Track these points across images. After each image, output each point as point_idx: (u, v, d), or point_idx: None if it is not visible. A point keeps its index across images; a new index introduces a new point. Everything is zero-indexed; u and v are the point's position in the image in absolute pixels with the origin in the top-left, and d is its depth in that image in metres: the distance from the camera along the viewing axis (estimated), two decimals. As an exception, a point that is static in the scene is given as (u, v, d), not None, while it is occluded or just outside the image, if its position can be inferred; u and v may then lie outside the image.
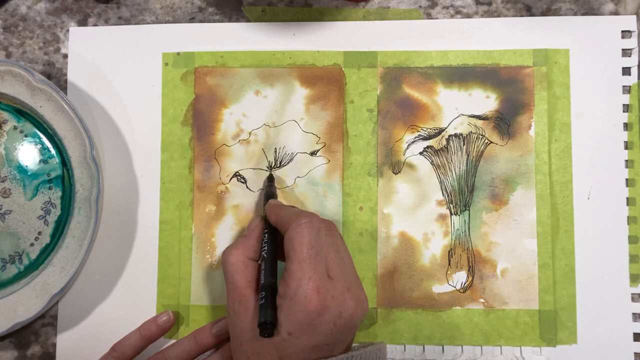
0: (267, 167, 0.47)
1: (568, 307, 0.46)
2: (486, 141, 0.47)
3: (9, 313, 0.44)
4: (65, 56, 0.49)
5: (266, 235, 0.41)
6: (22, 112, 0.47)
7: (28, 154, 0.47)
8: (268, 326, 0.37)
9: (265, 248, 0.41)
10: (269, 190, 0.46)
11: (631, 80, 0.47)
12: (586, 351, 0.45)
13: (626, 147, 0.47)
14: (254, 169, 0.48)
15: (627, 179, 0.46)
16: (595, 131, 0.47)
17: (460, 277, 0.46)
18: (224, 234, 0.47)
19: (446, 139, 0.47)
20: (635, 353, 0.45)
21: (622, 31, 0.47)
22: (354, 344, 0.39)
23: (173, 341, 0.46)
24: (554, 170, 0.47)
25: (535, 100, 0.47)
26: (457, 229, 0.47)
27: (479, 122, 0.47)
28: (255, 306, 0.38)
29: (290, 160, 0.48)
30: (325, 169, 0.47)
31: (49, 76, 0.48)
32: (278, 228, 0.41)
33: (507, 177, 0.47)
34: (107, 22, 0.49)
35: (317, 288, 0.36)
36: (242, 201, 0.47)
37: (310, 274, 0.37)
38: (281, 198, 0.47)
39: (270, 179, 0.47)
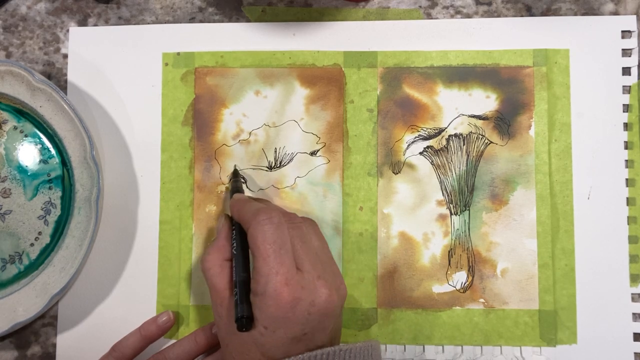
0: (267, 167, 0.47)
1: (568, 307, 0.46)
2: (486, 141, 0.47)
3: (9, 313, 0.44)
4: (65, 56, 0.49)
5: (234, 232, 0.42)
6: (22, 112, 0.47)
7: (28, 154, 0.47)
8: (244, 321, 0.37)
9: (235, 245, 0.41)
10: (234, 185, 0.46)
11: (631, 80, 0.47)
12: (586, 351, 0.45)
13: (626, 147, 0.47)
14: (254, 168, 0.48)
15: (627, 179, 0.46)
16: (595, 131, 0.47)
17: (460, 277, 0.46)
18: (224, 234, 0.47)
19: (446, 139, 0.47)
20: (635, 353, 0.45)
21: (622, 31, 0.47)
22: (345, 344, 0.39)
23: (173, 341, 0.46)
24: (554, 170, 0.47)
25: (535, 100, 0.47)
26: (457, 229, 0.47)
27: (479, 122, 0.47)
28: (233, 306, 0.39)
29: (290, 160, 0.48)
30: (325, 169, 0.47)
31: (49, 76, 0.48)
32: (242, 225, 0.41)
33: (507, 177, 0.47)
34: (107, 22, 0.49)
35: (286, 281, 0.37)
36: (242, 201, 0.47)
37: (276, 269, 0.37)
38: (281, 198, 0.47)
39: (235, 174, 0.47)
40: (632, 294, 0.46)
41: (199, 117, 0.48)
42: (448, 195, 0.47)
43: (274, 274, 0.37)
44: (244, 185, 0.47)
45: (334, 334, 0.40)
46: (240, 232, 0.41)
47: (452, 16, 0.48)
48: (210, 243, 0.43)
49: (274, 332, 0.37)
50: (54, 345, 0.47)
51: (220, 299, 0.40)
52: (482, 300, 0.46)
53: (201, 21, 0.49)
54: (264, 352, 0.37)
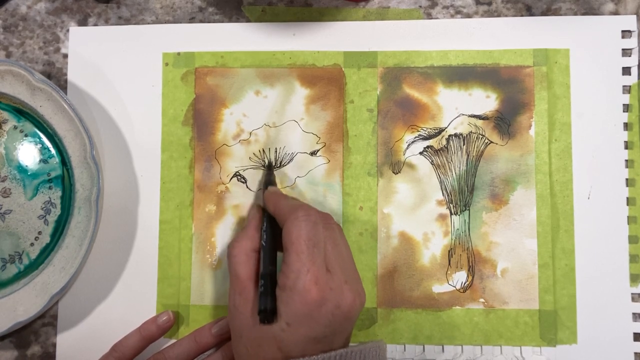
0: (267, 167, 0.47)
1: (568, 307, 0.46)
2: (486, 141, 0.47)
3: (9, 313, 0.44)
4: (65, 56, 0.49)
5: (265, 224, 0.42)
6: (22, 112, 0.47)
7: (28, 153, 0.47)
8: (268, 313, 0.37)
9: (265, 237, 0.41)
10: (268, 178, 0.46)
11: (631, 80, 0.47)
12: (586, 351, 0.45)
13: (626, 147, 0.47)
14: (254, 168, 0.48)
15: (627, 179, 0.46)
16: (595, 131, 0.47)
17: (460, 277, 0.46)
18: (224, 234, 0.47)
19: (446, 139, 0.47)
20: (635, 353, 0.45)
21: (622, 31, 0.47)
22: (352, 344, 0.39)
23: (173, 341, 0.46)
24: (554, 170, 0.47)
25: (536, 100, 0.47)
26: (457, 229, 0.47)
27: (479, 122, 0.47)
28: (255, 297, 0.39)
29: (291, 160, 0.48)
30: (325, 169, 0.47)
31: (49, 76, 0.48)
32: (276, 219, 0.41)
33: (507, 177, 0.47)
34: (107, 22, 0.49)
35: (316, 280, 0.37)
36: (242, 201, 0.47)
37: (308, 266, 0.37)
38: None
39: (270, 167, 0.47)
40: (632, 294, 0.46)
41: (199, 117, 0.48)
42: (448, 195, 0.47)
43: (305, 270, 0.37)
44: (244, 185, 0.47)
45: (349, 338, 0.40)
46: (271, 224, 0.41)
47: (452, 16, 0.48)
48: (240, 231, 0.42)
49: (296, 329, 0.36)
50: (54, 345, 0.47)
51: (241, 288, 0.39)
52: (482, 300, 0.46)
53: (201, 21, 0.49)
54: (281, 348, 0.37)
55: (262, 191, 0.45)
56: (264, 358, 0.37)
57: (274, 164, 0.48)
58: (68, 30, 0.49)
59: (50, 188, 0.46)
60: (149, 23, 0.49)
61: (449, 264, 0.46)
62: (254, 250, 0.41)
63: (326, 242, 0.39)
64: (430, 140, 0.47)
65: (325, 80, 0.48)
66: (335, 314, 0.37)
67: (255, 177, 0.47)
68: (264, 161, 0.47)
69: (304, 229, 0.38)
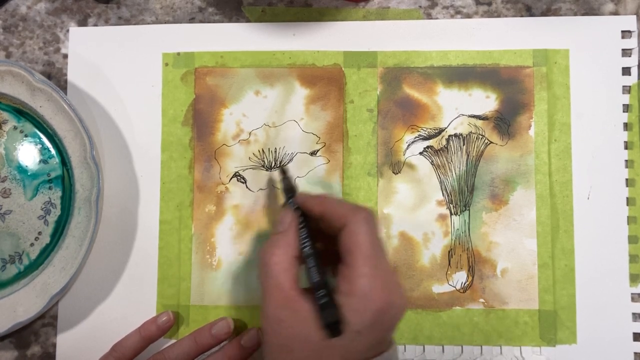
0: (267, 168, 0.47)
1: (568, 307, 0.46)
2: (486, 141, 0.47)
3: (9, 313, 0.44)
4: (65, 56, 0.49)
5: (303, 229, 0.38)
6: (22, 112, 0.47)
7: (28, 154, 0.47)
8: (337, 326, 0.34)
9: (307, 244, 0.38)
10: (289, 183, 0.43)
11: (631, 80, 0.47)
12: (586, 351, 0.45)
13: (626, 147, 0.47)
14: (254, 169, 0.48)
15: (627, 179, 0.46)
16: (595, 131, 0.47)
17: (460, 277, 0.46)
18: (224, 234, 0.47)
19: (446, 139, 0.47)
20: (635, 353, 0.45)
21: (622, 31, 0.47)
22: (391, 348, 0.38)
23: (173, 341, 0.46)
24: (554, 170, 0.47)
25: (535, 101, 0.47)
26: (457, 229, 0.47)
27: (479, 122, 0.47)
28: (307, 308, 0.35)
29: (290, 160, 0.48)
30: (325, 169, 0.47)
31: (49, 76, 0.48)
32: (326, 220, 0.38)
33: (507, 177, 0.47)
34: (107, 22, 0.49)
35: (384, 285, 0.35)
36: (242, 201, 0.47)
37: (376, 272, 0.35)
38: (281, 198, 0.47)
39: (284, 172, 0.44)
40: (632, 294, 0.46)
41: (199, 117, 0.48)
42: (448, 195, 0.47)
43: (373, 276, 0.35)
44: (244, 186, 0.47)
45: None
46: (310, 230, 0.38)
47: (452, 16, 0.48)
48: (273, 237, 0.38)
49: (365, 336, 0.35)
50: (54, 345, 0.47)
51: (285, 300, 0.36)
52: (482, 300, 0.46)
53: (201, 21, 0.49)
54: (346, 357, 0.35)
55: (286, 198, 0.41)
56: None
57: (274, 164, 0.48)
58: (68, 31, 0.49)
59: (50, 188, 0.46)
60: (149, 23, 0.49)
61: (449, 264, 0.46)
62: (294, 257, 0.37)
63: (381, 243, 0.37)
64: (430, 141, 0.47)
65: (325, 80, 0.48)
66: (397, 317, 0.36)
67: (255, 177, 0.47)
68: (263, 161, 0.47)
69: (369, 230, 0.36)
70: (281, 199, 0.47)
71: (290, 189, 0.42)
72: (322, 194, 0.41)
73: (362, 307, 0.35)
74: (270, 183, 0.47)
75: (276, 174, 0.47)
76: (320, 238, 0.39)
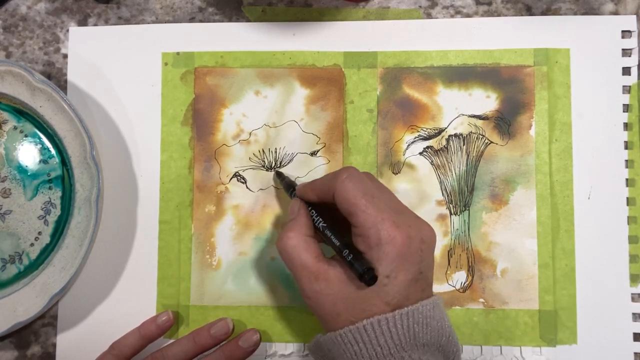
0: (267, 168, 0.47)
1: (568, 307, 0.46)
2: (486, 141, 0.47)
3: (9, 313, 0.44)
4: (65, 56, 0.49)
5: (312, 211, 0.41)
6: (22, 112, 0.47)
7: (28, 154, 0.47)
8: (371, 272, 0.36)
9: (320, 220, 0.40)
10: (288, 180, 0.45)
11: (631, 80, 0.47)
12: (586, 351, 0.45)
13: (626, 147, 0.47)
14: (254, 169, 0.48)
15: (627, 179, 0.46)
16: (595, 131, 0.47)
17: (460, 277, 0.46)
18: (224, 234, 0.47)
19: (446, 139, 0.47)
20: (635, 353, 0.45)
21: (622, 31, 0.47)
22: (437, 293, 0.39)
23: (172, 341, 0.46)
24: (555, 170, 0.47)
25: (536, 100, 0.47)
26: (457, 229, 0.46)
27: (479, 122, 0.47)
28: (338, 272, 0.38)
29: (290, 160, 0.48)
30: (326, 169, 0.47)
31: (49, 76, 0.48)
32: (322, 199, 0.40)
33: (507, 177, 0.47)
34: (107, 22, 0.49)
35: (394, 223, 0.36)
36: (242, 201, 0.47)
37: (380, 216, 0.37)
38: (281, 198, 0.47)
39: (280, 175, 0.46)
40: (632, 294, 0.46)
41: (199, 117, 0.48)
42: (448, 195, 0.47)
43: (380, 221, 0.36)
44: (244, 186, 0.47)
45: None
46: (318, 211, 0.41)
47: (452, 16, 0.48)
48: (286, 226, 0.40)
49: (395, 277, 0.36)
50: (54, 345, 0.47)
51: (315, 273, 0.38)
52: (481, 300, 0.46)
53: (201, 21, 0.49)
54: (388, 302, 0.36)
55: (289, 194, 0.44)
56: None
57: (274, 164, 0.48)
58: (68, 31, 0.49)
59: (50, 188, 0.46)
60: (148, 23, 0.49)
61: (449, 264, 0.46)
62: (310, 236, 0.40)
63: (380, 190, 0.39)
64: (430, 141, 0.47)
65: (325, 81, 0.48)
66: (423, 249, 0.37)
67: (255, 178, 0.47)
68: (263, 162, 0.47)
69: (355, 186, 0.38)
70: (281, 197, 0.47)
71: (290, 185, 0.44)
72: (305, 182, 0.43)
73: (381, 254, 0.36)
74: (271, 184, 0.47)
75: (275, 178, 0.47)
76: (336, 224, 0.40)
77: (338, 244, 0.38)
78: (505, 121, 0.47)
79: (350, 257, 0.37)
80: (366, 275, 0.36)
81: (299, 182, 0.47)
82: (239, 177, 0.47)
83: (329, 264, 0.38)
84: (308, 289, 0.38)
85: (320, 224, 0.40)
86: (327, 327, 0.38)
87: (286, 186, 0.45)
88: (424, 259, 0.37)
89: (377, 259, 0.36)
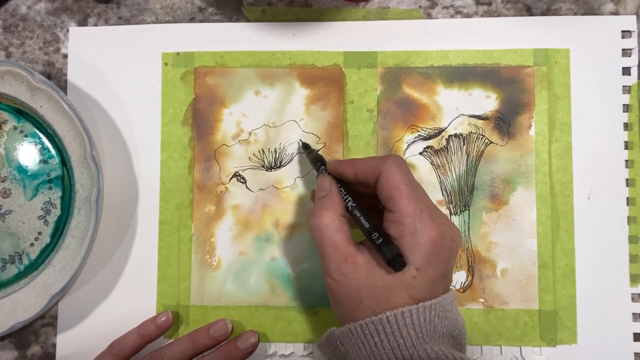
0: (267, 168, 0.47)
1: (568, 307, 0.46)
2: (486, 141, 0.47)
3: (9, 313, 0.44)
4: (65, 56, 0.49)
5: (341, 190, 0.41)
6: (22, 112, 0.47)
7: (28, 154, 0.47)
8: (400, 258, 0.36)
9: (350, 199, 0.40)
10: (316, 153, 0.45)
11: (631, 80, 0.47)
12: (586, 351, 0.45)
13: (626, 147, 0.47)
14: (253, 169, 0.48)
15: (627, 179, 0.46)
16: (595, 131, 0.47)
17: (460, 277, 0.46)
18: (224, 234, 0.47)
19: (446, 139, 0.47)
20: (635, 353, 0.45)
21: (622, 31, 0.47)
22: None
23: (171, 341, 0.46)
24: (554, 170, 0.47)
25: (536, 100, 0.47)
26: (457, 229, 0.46)
27: (479, 122, 0.47)
28: (366, 257, 0.38)
29: (290, 160, 0.48)
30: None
31: (49, 76, 0.48)
32: (360, 178, 0.40)
33: (507, 177, 0.47)
34: (107, 22, 0.49)
35: (431, 217, 0.37)
36: (242, 201, 0.47)
37: (420, 207, 0.37)
38: (281, 198, 0.47)
39: (306, 146, 0.46)
40: (632, 294, 0.46)
41: (199, 117, 0.48)
42: (448, 196, 0.47)
43: (419, 212, 0.37)
44: (244, 186, 0.47)
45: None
46: (347, 189, 0.40)
47: (452, 16, 0.48)
48: (316, 203, 0.40)
49: (425, 271, 0.36)
50: (54, 345, 0.47)
51: (344, 255, 0.38)
52: (481, 300, 0.46)
53: (201, 21, 0.49)
54: (413, 295, 0.36)
55: (317, 168, 0.43)
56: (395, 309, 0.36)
57: (273, 164, 0.48)
58: (68, 31, 0.49)
59: (50, 188, 0.46)
60: (148, 23, 0.49)
61: (449, 264, 0.46)
62: (342, 215, 0.39)
63: (416, 182, 0.39)
64: (430, 141, 0.47)
65: (325, 81, 0.48)
66: (452, 247, 0.37)
67: (255, 177, 0.47)
68: (263, 162, 0.47)
69: (402, 172, 0.38)
70: (281, 197, 0.47)
71: (319, 159, 0.44)
72: (340, 159, 0.43)
73: (415, 244, 0.36)
74: (271, 184, 0.47)
75: (300, 148, 0.47)
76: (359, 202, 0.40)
77: (368, 225, 0.38)
78: (505, 121, 0.47)
79: (380, 241, 0.37)
80: (395, 260, 0.36)
81: (298, 181, 0.47)
82: (238, 177, 0.47)
83: (359, 248, 0.38)
84: (335, 269, 0.38)
85: (350, 204, 0.40)
86: (345, 315, 0.38)
87: (314, 159, 0.44)
88: (452, 258, 0.38)
89: (409, 248, 0.36)
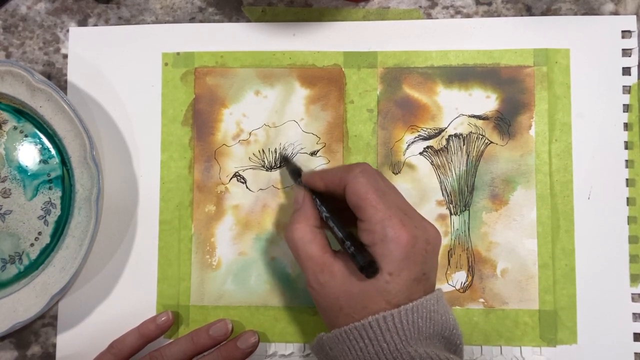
0: (267, 168, 0.47)
1: (568, 307, 0.46)
2: (486, 141, 0.47)
3: (9, 313, 0.44)
4: (65, 56, 0.49)
5: (316, 200, 0.41)
6: (22, 112, 0.47)
7: (28, 154, 0.47)
8: (373, 264, 0.36)
9: (324, 209, 0.40)
10: (294, 165, 0.45)
11: (631, 80, 0.47)
12: (586, 351, 0.45)
13: (626, 147, 0.47)
14: (254, 169, 0.48)
15: (627, 179, 0.46)
16: (595, 131, 0.47)
17: (460, 277, 0.46)
18: (224, 234, 0.47)
19: (446, 139, 0.47)
20: (635, 353, 0.45)
21: (622, 31, 0.47)
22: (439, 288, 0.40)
23: (171, 341, 0.46)
24: (554, 170, 0.47)
25: (536, 100, 0.47)
26: (457, 229, 0.47)
27: (479, 122, 0.47)
28: (341, 266, 0.38)
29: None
30: (325, 169, 0.47)
31: (49, 76, 0.48)
32: (330, 189, 0.40)
33: (507, 177, 0.47)
34: (107, 22, 0.49)
35: (401, 222, 0.37)
36: (242, 201, 0.47)
37: (388, 213, 0.37)
38: (281, 198, 0.47)
39: (286, 159, 0.47)
40: (632, 294, 0.46)
41: (199, 117, 0.48)
42: (448, 196, 0.47)
43: (387, 218, 0.37)
44: (244, 186, 0.47)
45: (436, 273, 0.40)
46: (322, 200, 0.41)
47: (452, 16, 0.48)
48: (292, 216, 0.41)
49: (398, 276, 0.36)
50: (54, 345, 0.47)
51: (320, 265, 0.38)
52: (481, 300, 0.46)
53: (201, 21, 0.49)
54: (389, 300, 0.37)
55: (295, 180, 0.44)
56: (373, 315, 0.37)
57: (274, 164, 0.48)
58: (68, 31, 0.49)
59: (50, 188, 0.46)
60: (149, 23, 0.49)
61: (449, 264, 0.46)
62: (316, 227, 0.40)
63: (389, 188, 0.39)
64: (430, 141, 0.47)
65: (325, 81, 0.48)
66: (427, 250, 0.37)
67: (255, 178, 0.47)
68: (263, 162, 0.47)
69: (367, 182, 0.38)
70: (281, 197, 0.47)
71: (295, 171, 0.44)
72: (314, 170, 0.43)
73: (386, 250, 0.36)
74: (271, 184, 0.47)
75: (281, 162, 0.48)
76: (339, 214, 0.41)
77: (340, 234, 0.39)
78: (505, 121, 0.47)
79: (352, 249, 0.37)
80: (367, 267, 0.36)
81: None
82: (239, 177, 0.47)
83: (335, 256, 0.39)
84: (313, 280, 0.39)
85: (324, 214, 0.40)
86: (330, 322, 0.39)
87: (292, 172, 0.45)
88: (428, 260, 0.38)
89: (380, 255, 0.37)
